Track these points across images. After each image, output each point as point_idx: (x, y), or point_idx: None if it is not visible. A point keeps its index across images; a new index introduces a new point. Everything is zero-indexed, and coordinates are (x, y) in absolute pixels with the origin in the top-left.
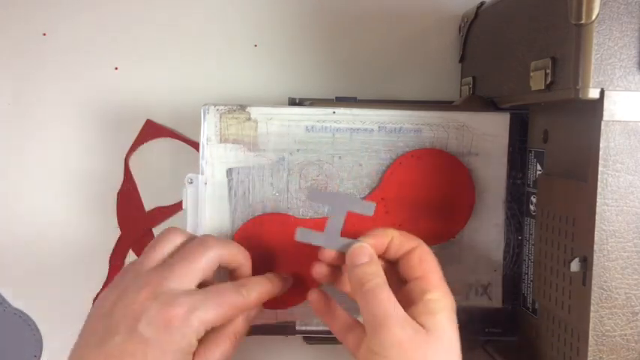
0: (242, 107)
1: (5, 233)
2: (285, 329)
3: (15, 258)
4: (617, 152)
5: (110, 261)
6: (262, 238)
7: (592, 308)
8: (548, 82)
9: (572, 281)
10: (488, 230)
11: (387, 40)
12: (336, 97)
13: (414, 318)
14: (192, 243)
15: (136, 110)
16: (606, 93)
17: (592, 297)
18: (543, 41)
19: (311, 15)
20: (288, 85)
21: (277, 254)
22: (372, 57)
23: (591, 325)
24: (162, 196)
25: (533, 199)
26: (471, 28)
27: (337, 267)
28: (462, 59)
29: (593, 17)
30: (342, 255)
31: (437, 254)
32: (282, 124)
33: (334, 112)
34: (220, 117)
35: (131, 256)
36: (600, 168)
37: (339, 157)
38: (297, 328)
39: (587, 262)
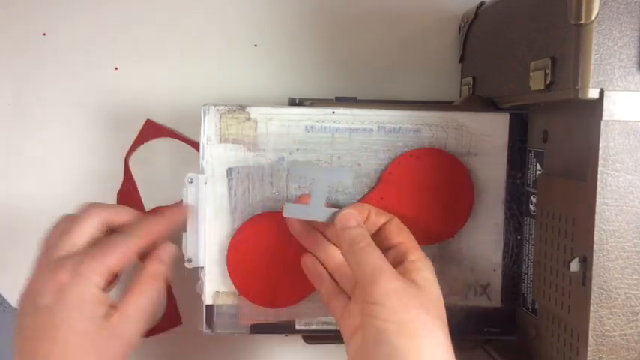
0: (242, 107)
1: (5, 233)
2: (284, 328)
3: (15, 258)
4: (617, 152)
5: None
6: (262, 236)
7: (592, 308)
8: (547, 82)
9: (571, 281)
10: (487, 230)
11: (387, 40)
12: (336, 97)
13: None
14: (76, 216)
15: (136, 110)
16: (606, 93)
17: (592, 297)
18: (543, 41)
19: (311, 15)
20: (288, 85)
21: (277, 253)
22: (372, 57)
23: (591, 325)
24: (163, 196)
25: (533, 199)
26: (470, 28)
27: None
28: (461, 59)
29: (593, 17)
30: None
31: (436, 254)
32: (281, 124)
33: (334, 112)
34: (220, 117)
35: None
36: (600, 168)
37: (339, 157)
38: (297, 327)
39: (586, 262)
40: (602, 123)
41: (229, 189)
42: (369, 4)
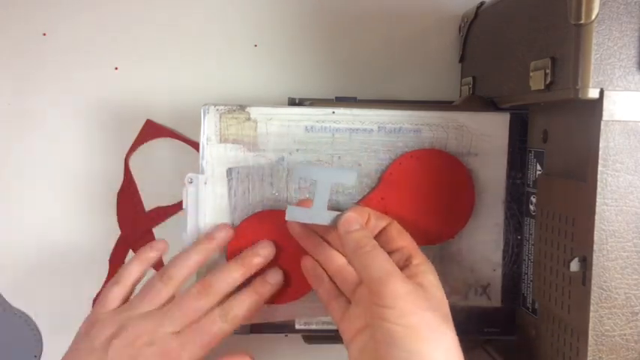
0: (242, 107)
1: (5, 233)
2: (284, 328)
3: (15, 258)
4: (617, 152)
5: (110, 261)
6: (263, 233)
7: (591, 308)
8: (547, 82)
9: (571, 281)
10: (487, 230)
11: (387, 40)
12: (336, 97)
13: None
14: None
15: (136, 110)
16: (606, 93)
17: (592, 297)
18: (543, 41)
19: (311, 15)
20: (288, 85)
21: (278, 250)
22: (372, 57)
23: (591, 325)
24: (163, 196)
25: (533, 199)
26: (470, 28)
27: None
28: (461, 59)
29: (593, 17)
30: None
31: (437, 254)
32: (281, 124)
33: (334, 112)
34: (220, 117)
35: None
36: (600, 168)
37: (339, 157)
38: (297, 327)
39: (586, 262)
40: (602, 123)
41: (229, 189)
42: (369, 4)
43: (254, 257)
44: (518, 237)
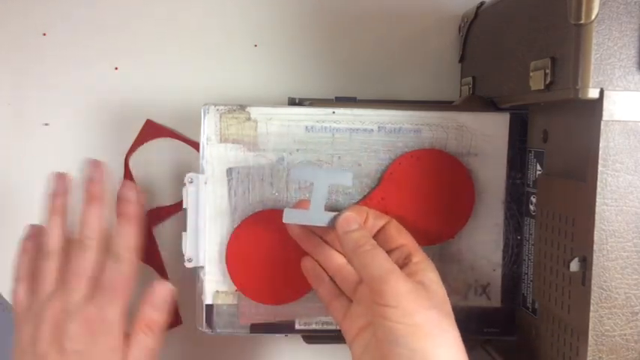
0: (242, 107)
1: (5, 233)
2: (284, 328)
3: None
4: (617, 152)
5: None
6: (263, 233)
7: (591, 308)
8: (547, 82)
9: (571, 281)
10: (487, 230)
11: (387, 40)
12: (336, 97)
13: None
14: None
15: (136, 110)
16: (606, 93)
17: (592, 297)
18: (543, 41)
19: (311, 15)
20: (288, 85)
21: (277, 250)
22: (372, 57)
23: (591, 325)
24: (163, 196)
25: (533, 199)
26: (470, 28)
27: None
28: (461, 59)
29: (593, 17)
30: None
31: (437, 254)
32: (281, 124)
33: (334, 112)
34: (220, 117)
35: None
36: (600, 168)
37: (339, 157)
38: (297, 327)
39: (586, 262)
40: (602, 123)
41: (229, 189)
42: (369, 4)
43: (90, 185)
44: (518, 237)
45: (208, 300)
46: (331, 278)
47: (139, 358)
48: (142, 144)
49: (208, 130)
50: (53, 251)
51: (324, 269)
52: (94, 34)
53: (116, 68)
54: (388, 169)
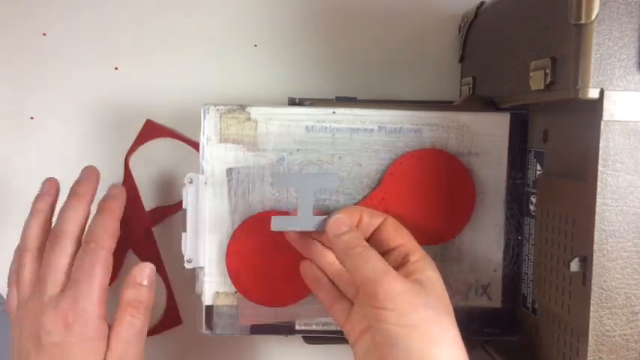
0: (242, 107)
1: (5, 233)
2: (284, 329)
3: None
4: (617, 152)
5: None
6: (262, 235)
7: (592, 308)
8: (547, 82)
9: (572, 281)
10: (488, 230)
11: (387, 40)
12: (336, 97)
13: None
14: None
15: (136, 110)
16: (606, 93)
17: (592, 297)
18: (543, 41)
19: (311, 15)
20: (288, 85)
21: (277, 251)
22: (372, 57)
23: (591, 325)
24: (163, 196)
25: (533, 199)
26: (470, 28)
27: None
28: (461, 59)
29: (593, 17)
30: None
31: (437, 254)
32: (282, 124)
33: (334, 112)
34: (220, 117)
35: (131, 255)
36: (600, 168)
37: (339, 157)
38: (297, 328)
39: (586, 262)
40: (602, 123)
41: (229, 189)
42: (369, 4)
43: (75, 184)
44: (519, 237)
45: (208, 301)
46: (332, 281)
47: (126, 341)
48: (142, 144)
49: (208, 130)
50: (31, 250)
51: (324, 272)
52: (94, 34)
53: (116, 68)
54: (389, 169)
